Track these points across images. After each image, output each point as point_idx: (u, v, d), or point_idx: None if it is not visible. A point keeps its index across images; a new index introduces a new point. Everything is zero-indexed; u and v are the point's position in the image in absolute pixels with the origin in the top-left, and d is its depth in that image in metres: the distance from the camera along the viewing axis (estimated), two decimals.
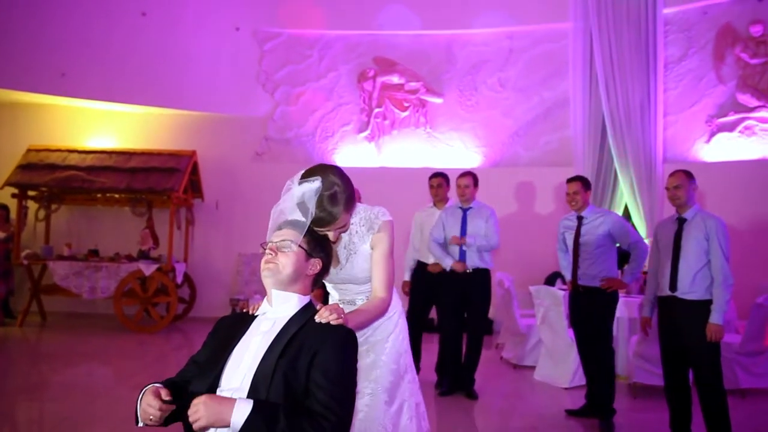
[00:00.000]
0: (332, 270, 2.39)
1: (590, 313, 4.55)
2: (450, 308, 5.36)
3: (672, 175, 4.07)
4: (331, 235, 2.18)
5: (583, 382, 5.06)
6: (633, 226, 7.80)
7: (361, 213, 2.40)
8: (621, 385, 5.67)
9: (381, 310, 2.37)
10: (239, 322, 2.02)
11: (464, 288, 5.27)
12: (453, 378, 5.34)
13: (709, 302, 3.84)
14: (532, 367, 6.01)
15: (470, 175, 5.47)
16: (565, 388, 5.47)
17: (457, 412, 4.94)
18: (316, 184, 2.11)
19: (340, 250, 2.39)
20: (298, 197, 2.10)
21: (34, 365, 6.17)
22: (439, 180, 5.71)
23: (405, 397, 2.52)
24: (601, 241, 4.52)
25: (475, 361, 5.33)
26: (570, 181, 4.74)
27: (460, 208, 5.43)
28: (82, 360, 6.43)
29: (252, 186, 8.72)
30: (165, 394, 1.77)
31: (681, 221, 4.00)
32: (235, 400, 1.70)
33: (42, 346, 7.24)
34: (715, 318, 3.79)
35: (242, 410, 1.67)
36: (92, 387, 5.39)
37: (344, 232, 2.32)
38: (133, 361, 6.42)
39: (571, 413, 4.73)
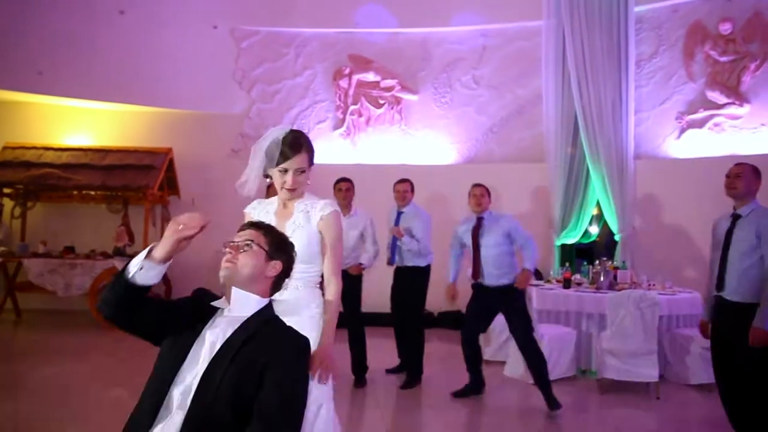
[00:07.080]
0: None
1: (495, 307, 5.05)
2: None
3: (737, 164, 3.90)
4: (288, 179, 2.55)
5: (552, 377, 5.12)
6: (605, 222, 7.97)
7: (308, 200, 2.70)
8: (589, 381, 5.78)
9: (338, 295, 2.61)
10: (206, 311, 2.04)
11: (399, 284, 5.76)
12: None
13: (754, 306, 3.56)
14: (503, 363, 6.08)
15: (407, 182, 5.78)
16: (534, 384, 5.53)
17: (426, 408, 5.01)
18: (287, 128, 2.61)
19: (289, 225, 2.59)
20: (270, 134, 2.58)
21: (7, 363, 6.14)
22: (347, 184, 5.67)
23: (322, 400, 2.50)
24: (500, 240, 4.95)
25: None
26: (476, 185, 5.13)
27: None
28: (56, 357, 6.42)
29: (228, 183, 8.47)
30: None
31: (735, 217, 3.82)
32: None
33: (16, 343, 7.23)
34: (758, 321, 3.49)
35: None
36: (67, 384, 5.40)
37: (304, 182, 2.64)
38: (108, 358, 6.43)
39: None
